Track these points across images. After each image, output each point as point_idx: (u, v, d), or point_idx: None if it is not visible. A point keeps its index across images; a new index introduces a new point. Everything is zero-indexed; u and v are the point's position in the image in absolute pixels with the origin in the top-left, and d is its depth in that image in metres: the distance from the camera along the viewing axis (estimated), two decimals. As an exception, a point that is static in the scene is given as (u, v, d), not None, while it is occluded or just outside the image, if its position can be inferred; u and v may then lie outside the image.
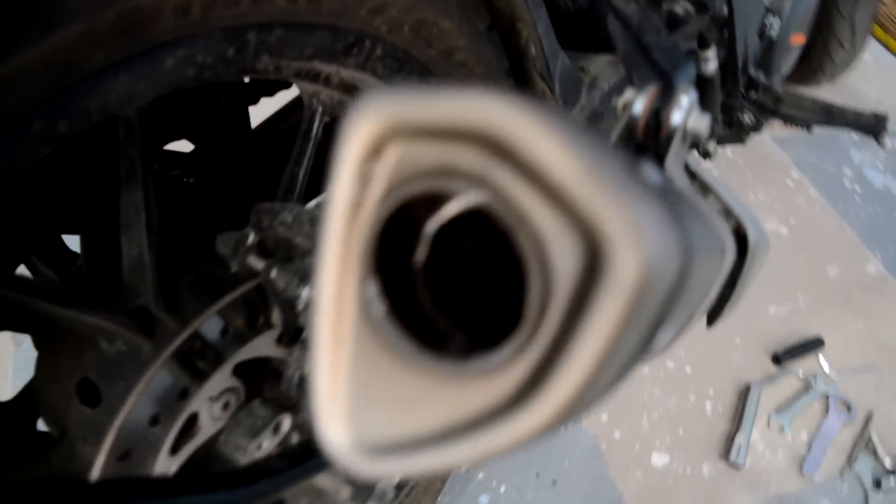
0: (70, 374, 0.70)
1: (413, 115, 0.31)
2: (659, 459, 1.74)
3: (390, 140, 0.32)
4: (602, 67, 1.22)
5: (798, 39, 1.81)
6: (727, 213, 0.69)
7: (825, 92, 2.96)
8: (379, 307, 0.34)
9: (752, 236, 0.70)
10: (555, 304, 0.30)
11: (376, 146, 0.33)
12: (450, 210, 0.33)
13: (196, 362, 0.67)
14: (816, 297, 2.29)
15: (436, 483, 1.31)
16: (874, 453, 1.90)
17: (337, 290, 0.35)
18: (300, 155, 0.80)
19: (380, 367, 0.35)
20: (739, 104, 1.52)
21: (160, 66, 0.51)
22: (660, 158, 0.58)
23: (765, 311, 2.18)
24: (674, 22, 1.41)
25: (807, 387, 2.00)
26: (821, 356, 2.09)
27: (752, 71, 1.44)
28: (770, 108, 1.53)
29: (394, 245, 0.36)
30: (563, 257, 0.30)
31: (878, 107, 2.41)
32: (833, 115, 1.58)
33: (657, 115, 0.59)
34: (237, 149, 0.91)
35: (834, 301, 2.30)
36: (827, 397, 1.99)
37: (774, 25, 1.50)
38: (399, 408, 0.36)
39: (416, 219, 0.37)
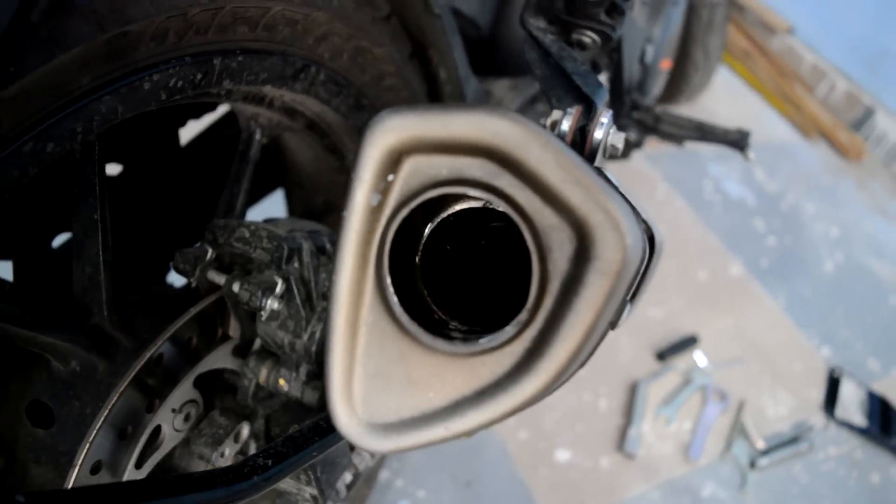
0: (18, 397, 0.70)
1: (429, 132, 0.37)
2: (562, 455, 1.85)
3: (407, 154, 0.38)
4: (504, 90, 1.31)
5: (666, 64, 2.01)
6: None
7: (682, 109, 3.25)
8: (394, 297, 0.39)
9: (657, 236, 0.81)
10: (552, 285, 0.37)
11: (394, 159, 0.38)
12: (454, 209, 0.39)
13: (158, 378, 0.68)
14: (689, 298, 2.50)
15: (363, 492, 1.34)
16: (747, 437, 2.10)
17: (354, 284, 0.40)
18: (239, 175, 0.83)
19: (394, 351, 0.41)
20: (624, 123, 1.67)
21: (139, 89, 0.54)
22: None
23: (646, 314, 2.36)
24: (581, 49, 1.54)
25: (686, 380, 2.19)
26: (697, 352, 2.29)
27: (634, 94, 1.60)
28: (651, 126, 1.69)
29: (395, 246, 0.41)
30: (559, 247, 0.36)
31: (727, 123, 2.68)
32: (705, 132, 1.77)
33: (582, 131, 0.67)
34: (168, 168, 0.93)
35: (704, 302, 2.51)
36: (704, 389, 2.18)
37: (649, 52, 1.66)
38: (410, 387, 0.41)
39: (414, 223, 0.42)
